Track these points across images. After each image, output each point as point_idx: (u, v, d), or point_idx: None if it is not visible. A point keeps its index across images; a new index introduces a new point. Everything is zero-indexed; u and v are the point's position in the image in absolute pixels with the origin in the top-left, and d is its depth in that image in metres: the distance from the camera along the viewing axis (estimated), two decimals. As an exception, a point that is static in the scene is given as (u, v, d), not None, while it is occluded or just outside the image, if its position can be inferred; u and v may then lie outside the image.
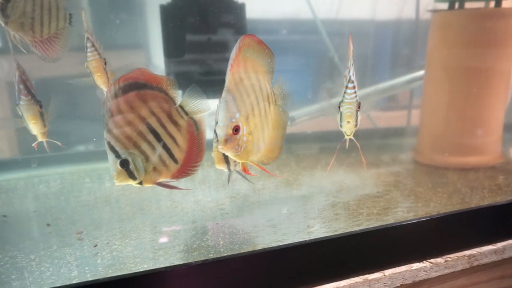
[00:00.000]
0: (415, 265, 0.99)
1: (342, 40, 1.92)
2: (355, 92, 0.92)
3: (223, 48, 1.51)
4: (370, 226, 1.04)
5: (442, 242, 1.03)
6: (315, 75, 1.97)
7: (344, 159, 1.62)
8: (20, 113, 0.85)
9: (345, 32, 1.93)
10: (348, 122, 0.93)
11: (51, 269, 0.90)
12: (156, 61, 1.61)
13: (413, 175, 1.48)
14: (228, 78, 0.70)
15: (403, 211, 1.16)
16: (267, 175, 1.49)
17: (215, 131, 0.73)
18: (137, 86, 0.71)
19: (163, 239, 1.05)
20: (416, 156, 1.63)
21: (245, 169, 0.82)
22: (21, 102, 0.84)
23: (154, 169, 0.74)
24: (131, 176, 0.72)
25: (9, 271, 0.90)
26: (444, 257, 1.01)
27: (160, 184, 0.78)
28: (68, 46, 0.99)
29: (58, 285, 0.84)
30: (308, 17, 1.90)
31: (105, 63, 0.98)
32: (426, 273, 0.99)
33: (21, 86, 0.84)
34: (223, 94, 0.71)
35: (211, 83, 1.54)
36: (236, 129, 0.70)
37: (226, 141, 0.70)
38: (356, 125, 0.95)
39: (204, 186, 1.41)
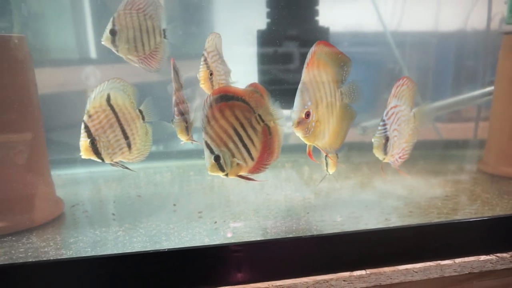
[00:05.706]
0: (483, 257, 1.15)
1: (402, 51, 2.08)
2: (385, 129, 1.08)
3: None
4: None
5: (508, 239, 1.18)
6: (374, 86, 2.12)
7: (413, 166, 1.81)
8: (173, 127, 1.14)
9: (406, 43, 2.09)
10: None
11: (188, 236, 1.19)
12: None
13: (479, 183, 1.62)
14: (304, 73, 0.87)
15: (471, 213, 1.33)
16: (344, 178, 1.71)
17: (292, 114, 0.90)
18: (226, 98, 0.89)
19: (267, 222, 1.30)
20: (483, 167, 1.76)
21: (309, 153, 0.96)
22: (174, 120, 1.13)
23: (237, 164, 0.93)
24: (221, 168, 0.90)
25: (159, 235, 1.20)
26: (509, 253, 1.17)
27: (241, 176, 0.95)
28: (166, 56, 1.20)
29: (197, 244, 1.12)
30: (368, 29, 2.09)
31: (211, 74, 1.22)
32: (492, 265, 1.15)
33: (175, 108, 1.12)
34: (300, 85, 0.87)
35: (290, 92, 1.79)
36: (308, 114, 0.86)
37: (299, 123, 0.85)
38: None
39: (290, 184, 1.66)
